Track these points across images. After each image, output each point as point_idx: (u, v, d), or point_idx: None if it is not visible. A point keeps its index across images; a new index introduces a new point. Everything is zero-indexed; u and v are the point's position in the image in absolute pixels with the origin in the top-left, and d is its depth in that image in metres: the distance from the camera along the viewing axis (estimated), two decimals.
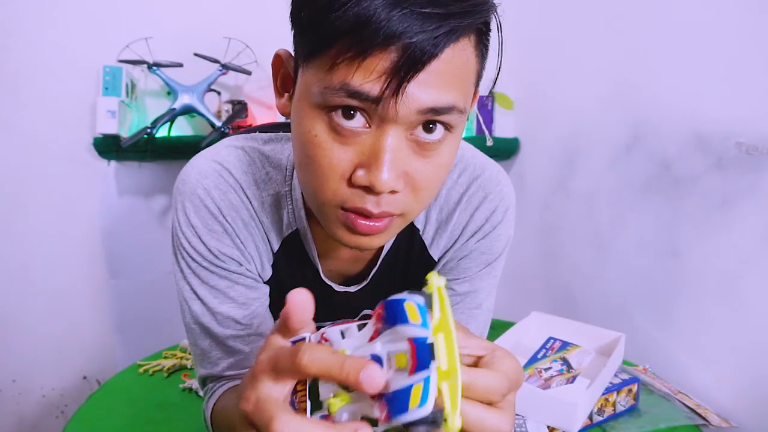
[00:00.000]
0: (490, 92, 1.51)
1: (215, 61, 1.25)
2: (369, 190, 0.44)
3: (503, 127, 1.51)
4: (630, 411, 0.85)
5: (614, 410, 0.83)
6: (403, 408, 0.28)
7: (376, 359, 0.31)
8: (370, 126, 0.43)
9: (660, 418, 0.83)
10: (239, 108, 1.28)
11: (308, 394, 0.33)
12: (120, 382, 0.96)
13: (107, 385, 0.95)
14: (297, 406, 0.33)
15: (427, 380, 0.29)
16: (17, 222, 1.26)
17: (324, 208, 0.48)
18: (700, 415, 0.85)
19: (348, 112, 0.42)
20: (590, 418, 0.80)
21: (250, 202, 0.60)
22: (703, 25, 0.97)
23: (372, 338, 0.33)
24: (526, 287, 1.48)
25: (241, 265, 0.60)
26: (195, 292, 0.60)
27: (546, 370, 0.86)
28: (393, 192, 0.45)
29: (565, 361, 0.88)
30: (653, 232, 1.08)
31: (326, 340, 0.35)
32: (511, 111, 1.51)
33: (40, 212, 1.27)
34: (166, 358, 1.03)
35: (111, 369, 1.32)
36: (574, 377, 0.82)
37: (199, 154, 0.61)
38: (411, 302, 0.31)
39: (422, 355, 0.29)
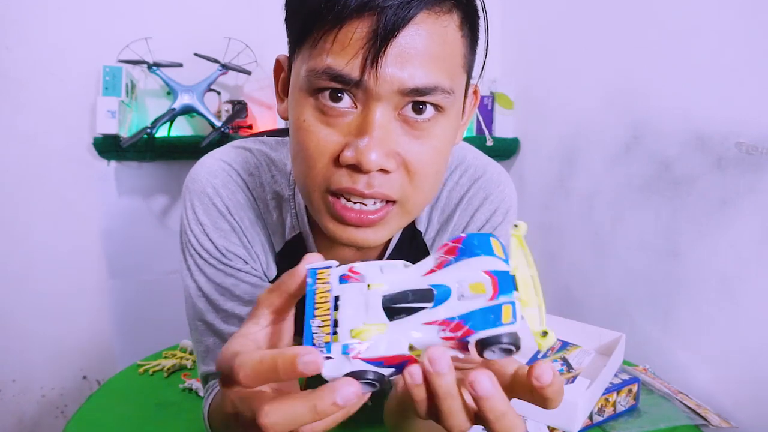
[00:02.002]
0: (491, 92, 1.51)
1: (215, 61, 1.25)
2: (357, 169, 0.43)
3: (503, 127, 1.51)
4: (630, 411, 0.85)
5: (614, 410, 0.83)
6: (495, 322, 0.29)
7: (439, 289, 0.31)
8: (356, 106, 0.43)
9: (660, 418, 0.83)
10: (239, 108, 1.28)
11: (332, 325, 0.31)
12: (120, 382, 0.96)
13: (107, 385, 0.95)
14: (317, 339, 0.31)
15: (513, 304, 0.30)
16: (17, 222, 1.26)
17: (313, 196, 0.46)
18: (700, 415, 0.85)
19: (335, 95, 0.43)
20: (590, 418, 0.80)
21: (256, 203, 0.61)
22: (703, 25, 0.97)
23: (430, 272, 0.33)
24: None
25: (246, 263, 0.61)
26: (201, 290, 0.61)
27: None
28: (384, 171, 0.43)
29: (565, 361, 0.88)
30: (653, 232, 1.08)
31: (356, 273, 0.34)
32: (511, 111, 1.51)
33: (40, 212, 1.27)
34: (166, 358, 1.03)
35: (111, 369, 1.32)
36: (574, 377, 0.82)
37: (208, 153, 0.63)
38: (496, 239, 0.33)
39: (504, 283, 0.31)
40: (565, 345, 0.94)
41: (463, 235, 0.34)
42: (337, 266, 0.34)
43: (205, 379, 0.64)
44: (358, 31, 0.40)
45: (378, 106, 0.42)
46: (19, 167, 1.24)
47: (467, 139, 1.47)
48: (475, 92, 0.55)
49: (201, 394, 0.89)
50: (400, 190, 0.45)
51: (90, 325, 1.35)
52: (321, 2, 0.41)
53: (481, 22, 0.48)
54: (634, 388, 0.86)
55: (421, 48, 0.41)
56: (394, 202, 0.46)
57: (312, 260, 0.34)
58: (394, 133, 0.43)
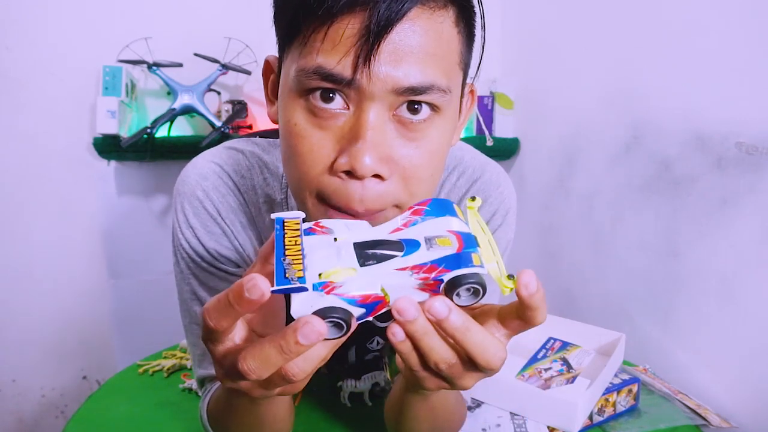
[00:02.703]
0: (491, 92, 1.51)
1: (215, 61, 1.25)
2: (351, 175, 0.41)
3: (503, 127, 1.51)
4: (630, 411, 0.85)
5: (614, 410, 0.83)
6: (467, 263, 0.31)
7: (408, 242, 0.34)
8: (349, 107, 0.41)
9: (660, 419, 0.83)
10: (239, 108, 1.28)
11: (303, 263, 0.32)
12: (120, 382, 0.96)
13: (107, 385, 0.95)
14: (290, 273, 0.31)
15: (479, 255, 0.33)
16: (17, 222, 1.26)
17: (308, 202, 0.45)
18: (700, 416, 0.85)
19: (326, 95, 0.41)
20: (590, 418, 0.80)
21: (248, 206, 0.60)
22: (703, 25, 0.97)
23: (396, 230, 0.35)
24: None
25: (239, 266, 0.60)
26: (195, 293, 0.60)
27: (546, 370, 0.86)
28: (379, 178, 0.42)
29: (565, 361, 0.88)
30: (653, 232, 1.08)
31: (322, 227, 0.35)
32: (511, 111, 1.51)
33: (40, 212, 1.27)
34: (166, 358, 1.03)
35: (111, 369, 1.32)
36: (574, 377, 0.82)
37: (199, 155, 0.62)
38: (457, 206, 0.37)
39: (468, 241, 0.33)
40: (565, 345, 0.94)
41: (428, 199, 0.37)
42: (304, 218, 0.35)
43: (202, 382, 0.64)
44: (349, 28, 0.39)
45: (371, 107, 0.40)
46: (19, 167, 1.24)
47: (467, 139, 1.47)
48: (472, 92, 0.53)
49: (201, 394, 0.89)
50: (395, 198, 0.44)
51: (90, 325, 1.35)
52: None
53: (478, 18, 0.47)
54: (634, 388, 0.86)
55: (416, 45, 0.40)
56: None
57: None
58: (389, 136, 0.42)
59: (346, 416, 0.79)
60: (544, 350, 0.92)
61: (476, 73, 0.51)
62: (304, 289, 0.30)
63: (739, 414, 0.92)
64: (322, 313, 0.31)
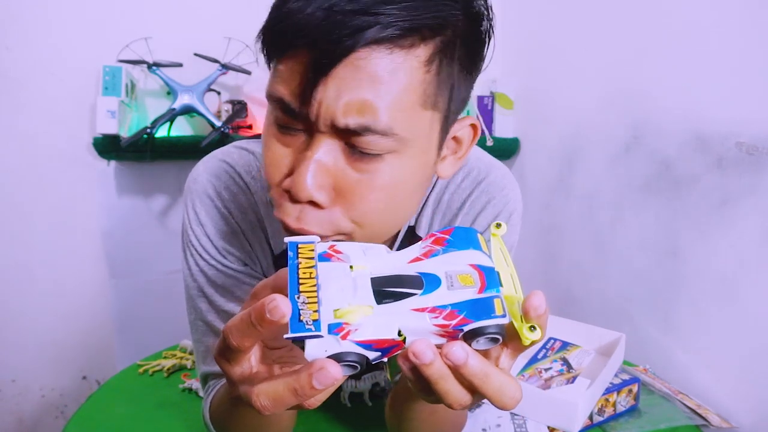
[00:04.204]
0: (491, 92, 1.51)
1: (215, 61, 1.25)
2: (291, 196, 0.42)
3: (503, 127, 1.51)
4: (630, 411, 0.85)
5: (615, 410, 0.83)
6: (488, 314, 0.30)
7: (428, 277, 0.33)
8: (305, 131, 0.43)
9: (660, 419, 0.83)
10: (239, 108, 1.28)
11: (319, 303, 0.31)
12: (120, 382, 0.96)
13: (107, 385, 0.95)
14: (304, 316, 0.30)
15: (501, 299, 0.31)
16: (17, 222, 1.26)
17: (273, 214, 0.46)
18: (700, 416, 0.85)
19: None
20: (590, 418, 0.80)
21: (258, 206, 0.60)
22: (703, 25, 0.97)
23: (416, 260, 0.34)
24: (527, 287, 1.47)
25: (246, 265, 0.61)
26: (202, 290, 0.60)
27: (546, 370, 0.86)
28: (315, 205, 0.42)
29: (565, 361, 0.88)
30: (653, 232, 1.08)
31: (338, 252, 0.34)
32: (511, 111, 1.51)
33: (40, 212, 1.27)
34: (166, 358, 1.03)
35: (111, 369, 1.32)
36: (575, 377, 0.82)
37: (210, 154, 0.63)
38: (481, 235, 0.36)
39: (491, 278, 0.32)
40: (565, 345, 0.94)
41: (451, 227, 0.35)
42: (319, 242, 0.34)
43: (205, 379, 0.64)
44: (297, 63, 0.40)
45: (322, 137, 0.41)
46: (19, 167, 1.24)
47: None
48: (474, 126, 0.53)
49: (201, 394, 0.89)
50: (333, 227, 0.44)
51: (90, 325, 1.35)
52: (266, 30, 0.42)
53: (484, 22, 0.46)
54: (635, 388, 0.86)
55: (357, 86, 0.39)
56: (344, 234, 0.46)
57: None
58: (336, 165, 0.42)
59: (346, 416, 0.79)
60: (544, 350, 0.92)
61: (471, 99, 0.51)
62: (319, 336, 0.30)
63: (739, 414, 0.92)
64: (337, 357, 0.30)
